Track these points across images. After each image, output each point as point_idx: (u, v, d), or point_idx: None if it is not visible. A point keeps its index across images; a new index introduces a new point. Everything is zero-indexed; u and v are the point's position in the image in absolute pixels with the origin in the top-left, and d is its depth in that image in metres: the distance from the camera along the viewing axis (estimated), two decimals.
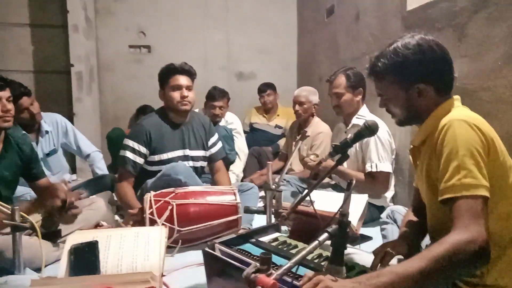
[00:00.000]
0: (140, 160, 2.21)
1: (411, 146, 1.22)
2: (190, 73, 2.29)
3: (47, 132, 2.66)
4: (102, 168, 2.84)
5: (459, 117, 1.01)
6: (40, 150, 2.59)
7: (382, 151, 2.25)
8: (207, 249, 1.27)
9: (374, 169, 2.24)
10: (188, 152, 2.32)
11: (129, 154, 2.19)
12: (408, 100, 1.13)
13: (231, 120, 3.47)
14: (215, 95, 3.30)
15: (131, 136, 2.24)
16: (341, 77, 2.40)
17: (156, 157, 2.25)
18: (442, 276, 0.86)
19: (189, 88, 2.26)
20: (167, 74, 2.26)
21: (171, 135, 2.28)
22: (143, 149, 2.20)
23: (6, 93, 1.78)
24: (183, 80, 2.24)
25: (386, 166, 2.25)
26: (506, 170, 1.02)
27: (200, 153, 2.38)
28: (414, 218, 1.30)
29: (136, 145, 2.19)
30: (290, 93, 3.25)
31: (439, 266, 0.84)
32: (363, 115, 2.37)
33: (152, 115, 2.37)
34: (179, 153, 2.28)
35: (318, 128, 3.02)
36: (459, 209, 0.91)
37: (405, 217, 1.37)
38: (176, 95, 2.22)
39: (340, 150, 1.23)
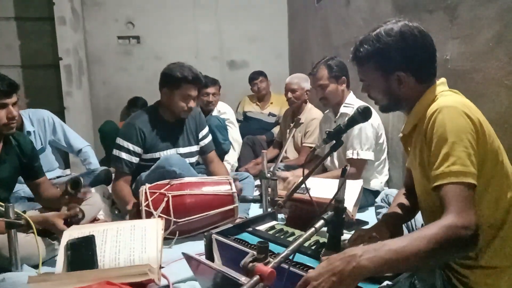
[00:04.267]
0: (135, 160, 2.20)
1: (401, 135, 1.22)
2: (200, 83, 2.27)
3: (29, 133, 2.52)
4: (94, 163, 2.80)
5: (447, 103, 1.01)
6: None
7: (364, 139, 2.25)
8: (185, 252, 1.21)
9: (355, 156, 2.25)
10: (180, 150, 2.31)
11: (124, 156, 2.16)
12: (388, 87, 1.13)
13: (224, 110, 3.45)
14: (207, 82, 3.27)
15: (124, 136, 2.19)
16: (323, 69, 2.40)
17: (148, 156, 2.24)
18: (434, 258, 0.87)
19: (195, 98, 2.25)
20: (180, 79, 2.16)
21: (164, 134, 2.26)
22: (137, 149, 2.19)
23: (13, 99, 1.72)
24: (194, 91, 2.22)
25: (367, 154, 2.26)
26: (495, 153, 1.03)
27: (193, 148, 2.38)
28: (404, 200, 1.31)
29: (131, 146, 2.17)
30: (282, 81, 3.23)
31: (433, 247, 0.85)
32: (351, 103, 2.37)
33: (143, 113, 2.29)
34: (171, 151, 2.28)
35: (312, 114, 3.02)
36: (450, 195, 0.92)
37: (396, 198, 1.37)
38: (183, 104, 2.19)
39: (334, 137, 1.23)
